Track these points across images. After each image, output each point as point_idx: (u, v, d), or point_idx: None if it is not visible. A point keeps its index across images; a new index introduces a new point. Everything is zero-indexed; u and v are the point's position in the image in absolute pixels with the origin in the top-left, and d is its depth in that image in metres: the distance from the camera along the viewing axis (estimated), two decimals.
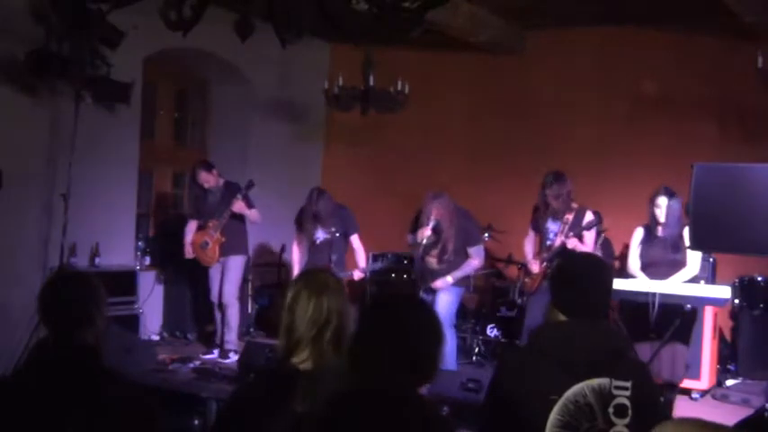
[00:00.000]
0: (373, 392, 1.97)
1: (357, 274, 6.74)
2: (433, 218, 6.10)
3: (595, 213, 6.18)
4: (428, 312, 2.12)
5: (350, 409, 1.97)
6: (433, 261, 6.28)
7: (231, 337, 6.98)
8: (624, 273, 5.99)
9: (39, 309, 2.58)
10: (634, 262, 5.81)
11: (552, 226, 6.10)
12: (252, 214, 6.90)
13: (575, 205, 6.07)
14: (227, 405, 2.40)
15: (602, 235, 7.09)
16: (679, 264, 5.67)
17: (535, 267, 6.19)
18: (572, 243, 5.92)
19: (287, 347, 2.36)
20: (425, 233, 6.09)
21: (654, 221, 5.72)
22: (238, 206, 6.77)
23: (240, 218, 6.95)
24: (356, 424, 1.95)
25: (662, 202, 5.65)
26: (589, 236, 6.05)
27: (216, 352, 6.99)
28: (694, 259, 5.68)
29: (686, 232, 5.63)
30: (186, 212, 7.40)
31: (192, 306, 7.82)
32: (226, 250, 6.92)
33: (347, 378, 2.03)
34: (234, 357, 6.79)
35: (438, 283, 6.21)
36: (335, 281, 2.42)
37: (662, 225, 5.69)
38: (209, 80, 8.94)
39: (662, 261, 5.68)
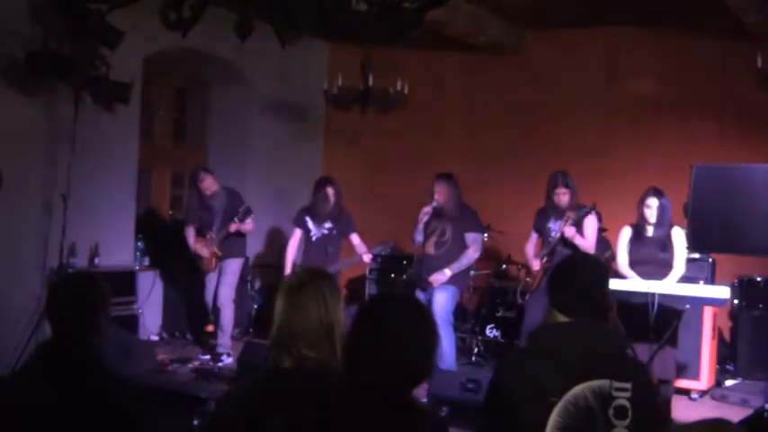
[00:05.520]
0: (366, 392, 1.97)
1: (367, 257, 6.77)
2: (435, 199, 6.21)
3: (596, 213, 6.19)
4: (422, 311, 2.11)
5: (342, 409, 1.96)
6: (430, 246, 6.30)
7: (224, 340, 6.97)
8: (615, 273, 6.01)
9: (46, 307, 2.59)
10: (623, 261, 5.84)
11: (554, 226, 6.12)
12: (245, 226, 6.95)
13: (578, 204, 6.09)
14: (221, 405, 2.40)
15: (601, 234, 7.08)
16: (668, 263, 5.70)
17: (536, 265, 6.21)
18: (570, 232, 5.94)
19: (283, 347, 2.35)
20: (426, 210, 6.22)
21: (643, 221, 5.76)
22: (234, 227, 6.86)
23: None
24: (348, 424, 1.95)
25: (652, 202, 5.70)
26: (590, 226, 6.04)
27: (209, 356, 6.99)
28: (681, 259, 5.71)
29: (675, 232, 5.67)
30: (186, 219, 7.39)
31: (192, 306, 7.81)
32: (224, 254, 6.96)
33: (341, 377, 2.03)
34: (226, 360, 6.80)
35: (436, 277, 6.19)
36: (331, 280, 2.42)
37: (652, 225, 5.73)
38: (209, 80, 8.94)
39: (651, 260, 5.73)
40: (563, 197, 6.05)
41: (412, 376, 2.03)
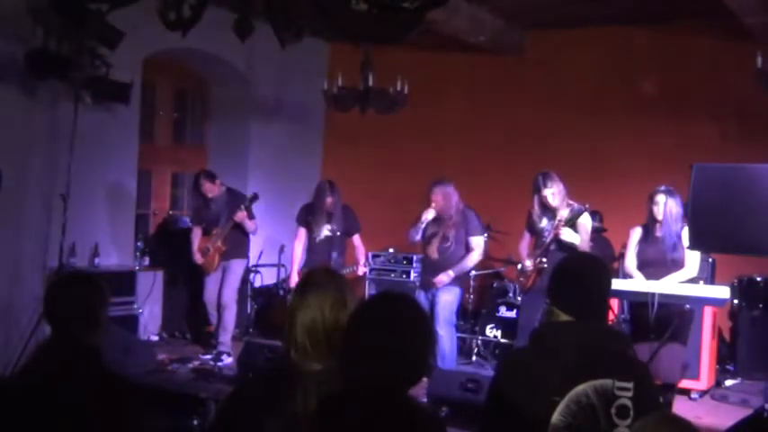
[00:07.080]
0: (361, 392, 1.97)
1: (361, 269, 6.77)
2: (432, 207, 6.19)
3: (594, 212, 6.16)
4: (417, 311, 2.10)
5: (338, 409, 1.96)
6: (433, 251, 6.30)
7: (225, 338, 6.97)
8: (621, 272, 5.97)
9: (45, 307, 2.58)
10: (631, 261, 5.78)
11: (547, 226, 6.07)
12: (250, 225, 6.94)
13: (570, 202, 6.05)
14: (225, 404, 2.39)
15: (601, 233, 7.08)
16: (678, 263, 5.63)
17: (529, 265, 6.18)
18: (563, 234, 5.90)
19: (287, 347, 2.35)
20: (427, 215, 6.20)
21: (652, 219, 5.71)
22: (240, 216, 6.81)
23: (242, 225, 7.01)
24: (344, 424, 1.94)
25: (660, 199, 5.61)
26: (583, 226, 6.01)
27: (210, 355, 6.98)
28: (693, 260, 5.64)
29: (685, 232, 5.63)
30: (189, 219, 7.41)
31: (192, 306, 7.81)
32: (228, 254, 6.95)
33: (339, 378, 2.03)
34: (227, 359, 6.79)
35: (440, 278, 6.19)
36: (340, 279, 2.41)
37: (660, 223, 5.66)
38: (208, 80, 8.94)
39: (660, 261, 5.64)
40: (552, 198, 5.97)
41: (408, 375, 2.02)
